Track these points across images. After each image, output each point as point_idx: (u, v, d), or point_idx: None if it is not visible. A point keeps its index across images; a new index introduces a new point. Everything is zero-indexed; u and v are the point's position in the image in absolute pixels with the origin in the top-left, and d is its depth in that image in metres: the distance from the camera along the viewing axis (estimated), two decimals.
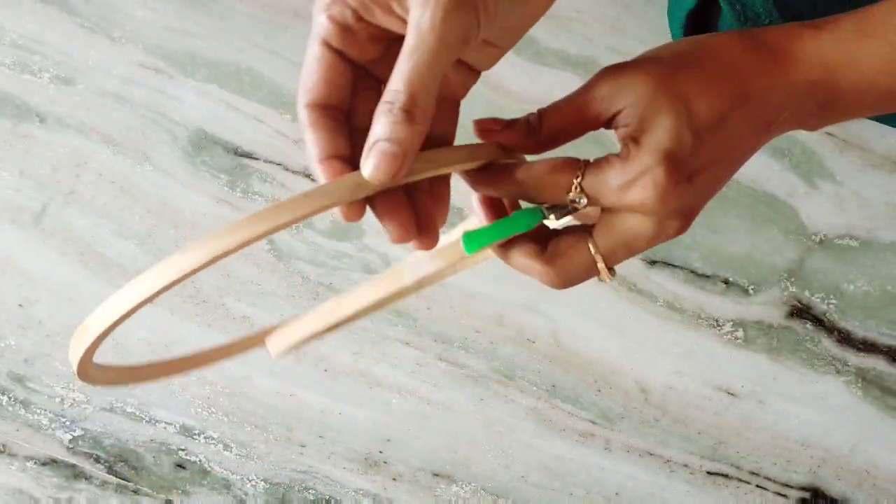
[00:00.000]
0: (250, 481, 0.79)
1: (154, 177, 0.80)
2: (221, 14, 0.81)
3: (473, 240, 0.34)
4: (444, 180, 0.37)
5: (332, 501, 0.79)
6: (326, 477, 0.79)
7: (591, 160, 0.34)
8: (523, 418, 0.80)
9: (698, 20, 0.66)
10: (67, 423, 0.78)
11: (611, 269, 0.35)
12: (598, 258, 0.35)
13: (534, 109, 0.36)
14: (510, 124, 0.35)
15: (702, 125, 0.33)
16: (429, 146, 0.33)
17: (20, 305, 0.79)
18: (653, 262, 0.80)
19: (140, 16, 0.81)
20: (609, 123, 0.35)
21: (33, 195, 0.80)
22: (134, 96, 0.81)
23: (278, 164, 0.81)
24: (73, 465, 0.78)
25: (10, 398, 0.78)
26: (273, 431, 0.79)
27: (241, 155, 0.81)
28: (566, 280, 0.36)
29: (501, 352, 0.80)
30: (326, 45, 0.32)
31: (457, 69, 0.36)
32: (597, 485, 0.80)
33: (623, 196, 0.33)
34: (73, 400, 0.78)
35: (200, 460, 0.79)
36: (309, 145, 0.33)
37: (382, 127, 0.30)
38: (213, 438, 0.79)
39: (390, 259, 0.80)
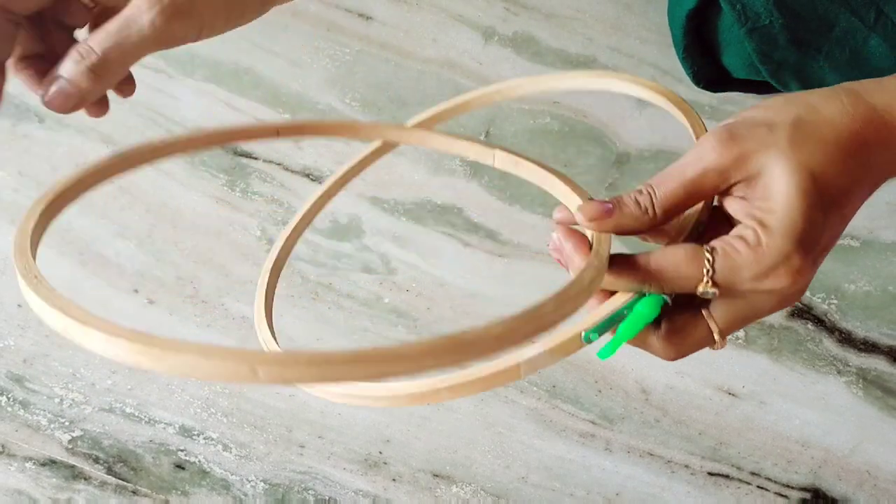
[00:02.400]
0: (250, 482, 0.79)
1: (153, 176, 0.80)
2: None
3: (608, 348, 0.33)
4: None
5: (332, 502, 0.79)
6: (326, 478, 0.79)
7: (717, 247, 0.32)
8: (523, 419, 0.80)
9: (698, 20, 0.65)
10: (66, 423, 0.78)
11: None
12: (717, 333, 0.34)
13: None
14: (620, 207, 0.33)
15: (831, 203, 0.32)
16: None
17: (19, 305, 0.79)
18: None
19: None
20: (723, 193, 0.34)
21: (33, 195, 0.79)
22: (134, 96, 0.80)
23: (277, 164, 0.80)
24: (73, 466, 0.78)
25: (9, 398, 0.78)
26: (272, 432, 0.79)
27: (240, 154, 0.81)
28: (681, 354, 0.35)
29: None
30: None
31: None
32: (597, 485, 0.80)
33: (759, 285, 0.32)
34: (73, 400, 0.78)
35: (200, 461, 0.79)
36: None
37: (68, 70, 0.34)
38: (212, 439, 0.79)
39: (390, 259, 0.80)
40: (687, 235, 0.33)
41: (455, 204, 0.80)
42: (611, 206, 0.33)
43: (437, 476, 0.80)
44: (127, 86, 0.42)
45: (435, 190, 0.80)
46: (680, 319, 0.34)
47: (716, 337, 0.34)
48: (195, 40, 0.36)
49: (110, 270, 0.79)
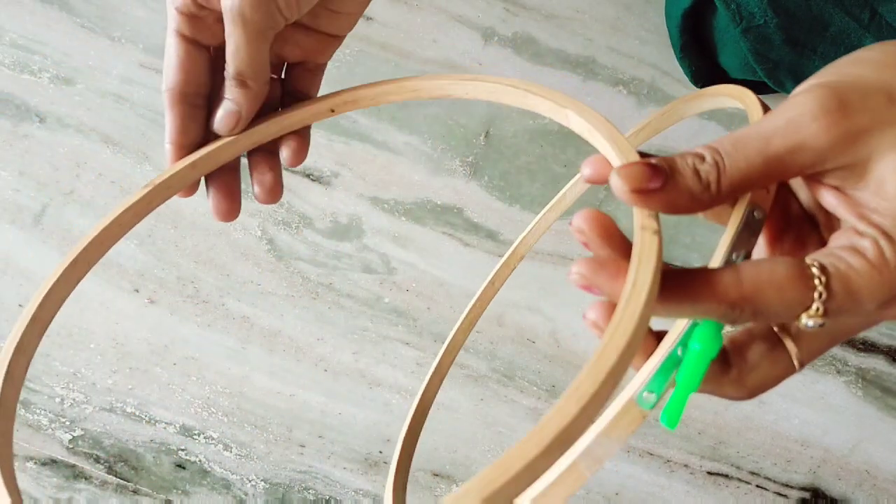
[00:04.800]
0: (250, 481, 0.79)
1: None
2: None
3: (671, 411, 0.24)
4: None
5: (332, 501, 0.79)
6: (326, 477, 0.79)
7: (826, 263, 0.23)
8: (523, 418, 0.80)
9: (694, 19, 0.66)
10: (67, 423, 0.78)
11: None
12: (798, 365, 0.26)
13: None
14: (674, 177, 0.23)
15: None
16: (290, 101, 0.44)
17: (20, 305, 0.79)
18: None
19: (140, 15, 0.81)
20: (810, 177, 0.25)
21: (33, 195, 0.80)
22: (134, 96, 0.81)
23: None
24: (73, 466, 0.78)
25: None
26: (273, 431, 0.79)
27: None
28: (757, 393, 0.27)
29: (501, 352, 0.80)
30: (180, 35, 0.38)
31: (309, 36, 0.42)
32: (596, 485, 0.80)
33: (881, 315, 0.24)
34: (73, 400, 0.79)
35: (200, 460, 0.79)
36: (166, 126, 0.41)
37: (225, 91, 0.40)
38: (212, 438, 0.79)
39: (390, 259, 0.80)
40: (738, 230, 0.24)
41: (455, 204, 0.80)
42: (662, 174, 0.23)
43: (437, 476, 0.80)
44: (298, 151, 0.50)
45: (435, 190, 0.81)
46: (754, 355, 0.26)
47: (797, 368, 0.26)
48: (284, 20, 0.38)
49: (111, 270, 0.79)
